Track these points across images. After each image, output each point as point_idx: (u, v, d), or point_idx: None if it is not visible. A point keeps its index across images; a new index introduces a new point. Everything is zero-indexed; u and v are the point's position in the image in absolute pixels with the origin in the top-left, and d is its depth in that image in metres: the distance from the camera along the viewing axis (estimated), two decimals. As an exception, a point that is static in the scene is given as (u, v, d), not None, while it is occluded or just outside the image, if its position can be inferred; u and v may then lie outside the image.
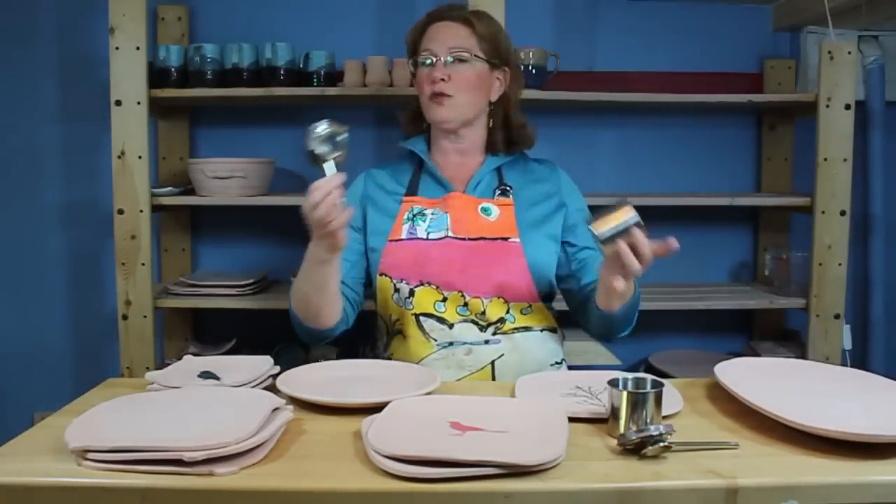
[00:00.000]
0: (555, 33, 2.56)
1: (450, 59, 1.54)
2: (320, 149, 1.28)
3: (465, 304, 1.50)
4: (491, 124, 1.62)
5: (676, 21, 2.58)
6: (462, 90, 1.54)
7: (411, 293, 1.51)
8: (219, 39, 2.30)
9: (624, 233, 1.21)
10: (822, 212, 2.26)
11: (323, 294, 1.43)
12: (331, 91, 2.26)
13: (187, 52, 2.28)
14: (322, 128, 1.30)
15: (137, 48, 2.11)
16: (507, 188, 1.58)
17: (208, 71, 2.24)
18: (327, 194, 1.24)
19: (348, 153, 1.30)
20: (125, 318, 2.17)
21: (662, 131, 2.63)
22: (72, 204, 2.56)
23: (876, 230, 2.61)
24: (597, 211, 1.24)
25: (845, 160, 2.25)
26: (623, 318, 1.44)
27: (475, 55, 1.55)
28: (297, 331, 1.54)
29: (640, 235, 1.21)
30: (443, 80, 1.53)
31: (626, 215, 1.21)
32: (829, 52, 2.21)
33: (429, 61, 1.56)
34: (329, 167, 1.28)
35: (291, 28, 2.48)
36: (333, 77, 2.29)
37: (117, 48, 2.10)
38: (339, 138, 1.29)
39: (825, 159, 2.25)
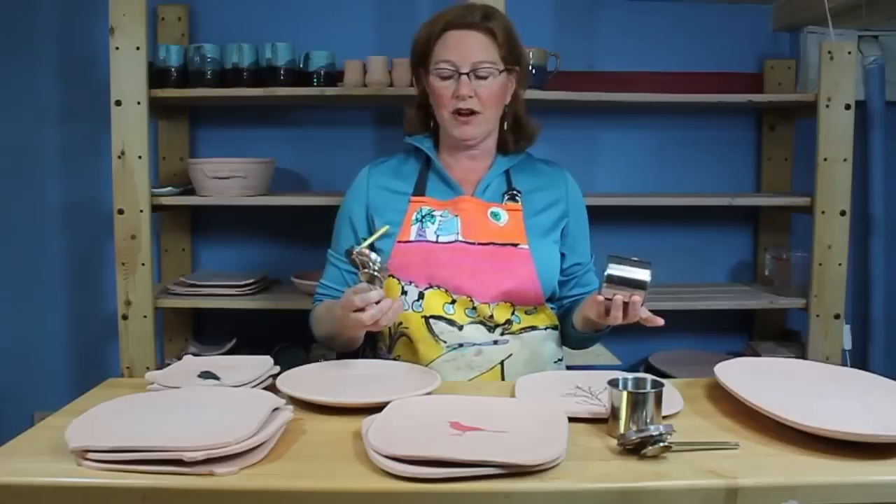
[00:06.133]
0: (555, 33, 2.56)
1: (475, 74, 1.49)
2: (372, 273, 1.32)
3: (474, 308, 1.49)
4: (505, 127, 1.60)
5: (676, 21, 2.58)
6: (489, 105, 1.51)
7: (420, 296, 1.49)
8: (219, 39, 2.30)
9: (628, 285, 1.30)
10: (822, 212, 2.26)
11: (353, 339, 1.48)
12: (331, 91, 2.26)
13: (187, 52, 2.27)
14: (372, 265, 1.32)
15: (137, 48, 2.10)
16: (516, 193, 1.56)
17: (208, 71, 2.24)
18: (377, 305, 1.28)
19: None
20: (125, 318, 2.17)
21: (662, 131, 2.63)
22: (72, 204, 2.56)
23: (876, 230, 2.61)
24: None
25: (845, 160, 2.25)
26: (593, 338, 1.60)
27: (499, 69, 1.51)
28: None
29: (637, 301, 1.30)
30: (469, 97, 1.49)
31: (641, 274, 1.30)
32: (829, 52, 2.21)
33: (450, 75, 1.49)
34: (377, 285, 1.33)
35: (291, 28, 2.48)
36: (333, 77, 2.29)
37: (117, 48, 2.10)
38: (381, 263, 1.33)
39: (825, 159, 2.25)
